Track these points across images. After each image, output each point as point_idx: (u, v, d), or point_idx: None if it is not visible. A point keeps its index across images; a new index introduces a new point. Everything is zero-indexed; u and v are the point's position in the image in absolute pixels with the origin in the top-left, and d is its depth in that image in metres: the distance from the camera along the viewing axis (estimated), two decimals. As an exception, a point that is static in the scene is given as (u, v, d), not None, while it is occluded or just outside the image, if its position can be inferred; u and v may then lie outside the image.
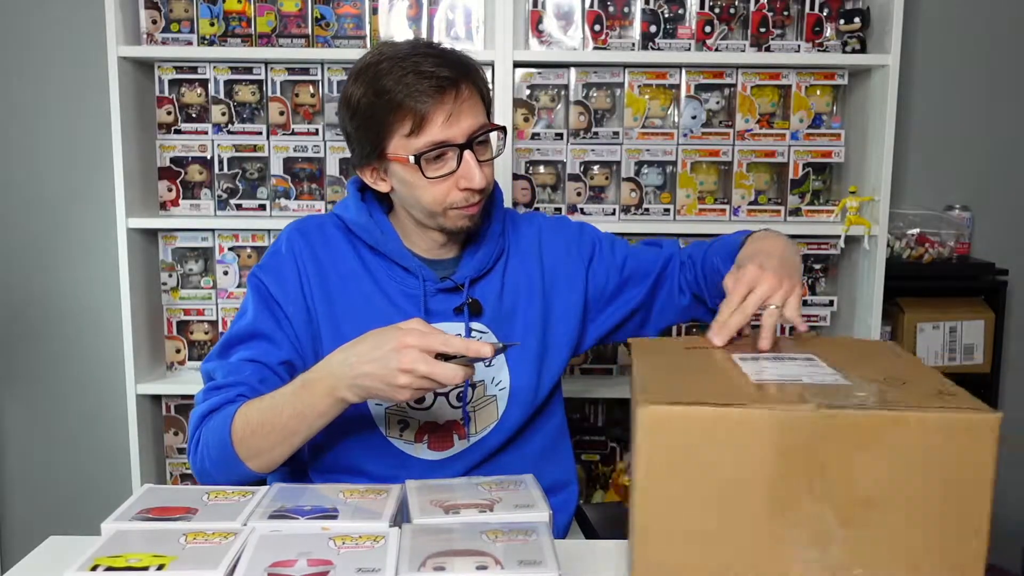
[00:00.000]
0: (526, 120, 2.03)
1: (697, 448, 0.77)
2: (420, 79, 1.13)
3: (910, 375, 0.85)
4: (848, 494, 0.77)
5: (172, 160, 2.03)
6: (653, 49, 2.00)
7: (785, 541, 0.78)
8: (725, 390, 0.83)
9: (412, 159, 1.14)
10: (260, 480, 1.37)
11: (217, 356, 1.22)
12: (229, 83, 2.01)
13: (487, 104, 1.22)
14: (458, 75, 1.15)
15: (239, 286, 2.04)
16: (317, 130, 2.02)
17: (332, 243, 1.26)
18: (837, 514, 0.77)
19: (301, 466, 1.30)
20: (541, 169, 2.05)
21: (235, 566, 0.74)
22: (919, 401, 0.77)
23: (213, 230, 2.03)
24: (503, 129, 1.24)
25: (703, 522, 0.78)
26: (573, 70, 2.01)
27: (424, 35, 2.01)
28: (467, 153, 1.16)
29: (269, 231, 2.02)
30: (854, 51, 1.99)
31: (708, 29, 2.00)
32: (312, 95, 2.02)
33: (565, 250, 1.34)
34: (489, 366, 1.24)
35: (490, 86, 1.25)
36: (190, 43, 1.97)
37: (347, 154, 2.01)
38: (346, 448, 1.24)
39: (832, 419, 0.76)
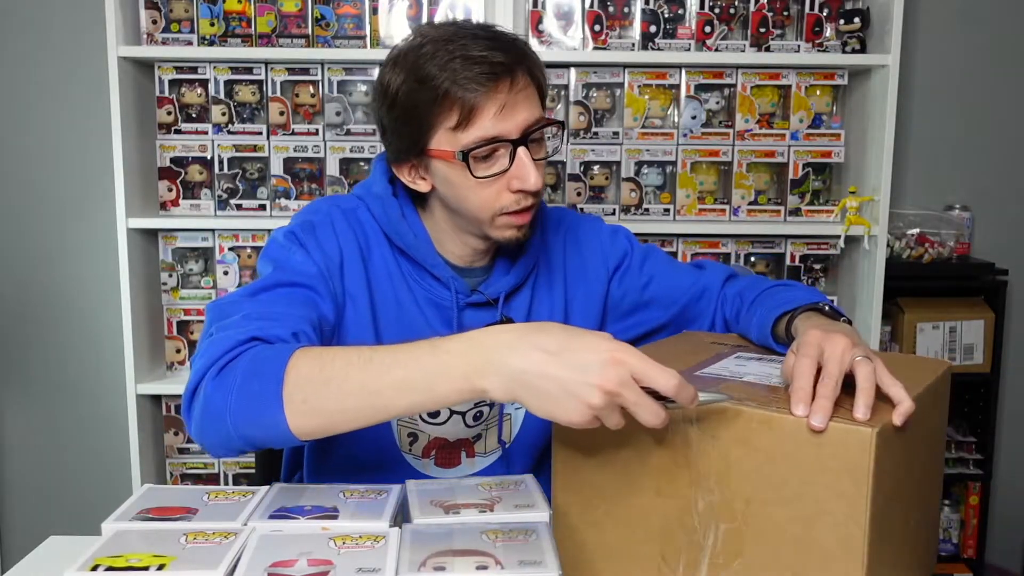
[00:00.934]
0: (526, 120, 2.03)
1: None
2: (469, 65, 0.99)
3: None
4: (728, 488, 0.79)
5: (172, 160, 2.03)
6: (653, 49, 2.00)
7: (673, 521, 0.82)
8: None
9: (459, 156, 1.02)
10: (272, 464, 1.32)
11: (245, 297, 1.01)
12: (229, 83, 2.01)
13: (543, 96, 1.08)
14: (513, 61, 1.01)
15: (239, 286, 2.04)
16: (317, 130, 2.02)
17: (368, 232, 1.13)
18: (716, 506, 0.80)
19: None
20: (541, 169, 2.04)
21: (235, 566, 0.74)
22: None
23: (213, 230, 2.03)
24: (560, 124, 1.11)
25: (608, 488, 0.86)
26: (573, 70, 2.01)
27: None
28: (521, 150, 1.03)
29: (269, 231, 2.02)
30: (854, 51, 1.99)
31: (708, 29, 2.00)
32: (312, 95, 2.02)
33: (589, 257, 1.24)
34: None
35: (547, 79, 1.10)
36: (190, 43, 1.97)
37: (347, 154, 2.02)
38: (355, 454, 1.15)
39: (707, 409, 0.79)
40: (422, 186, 1.10)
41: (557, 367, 0.75)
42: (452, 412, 1.14)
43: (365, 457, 1.14)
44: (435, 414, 1.14)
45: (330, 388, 0.83)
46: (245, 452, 0.90)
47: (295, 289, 1.03)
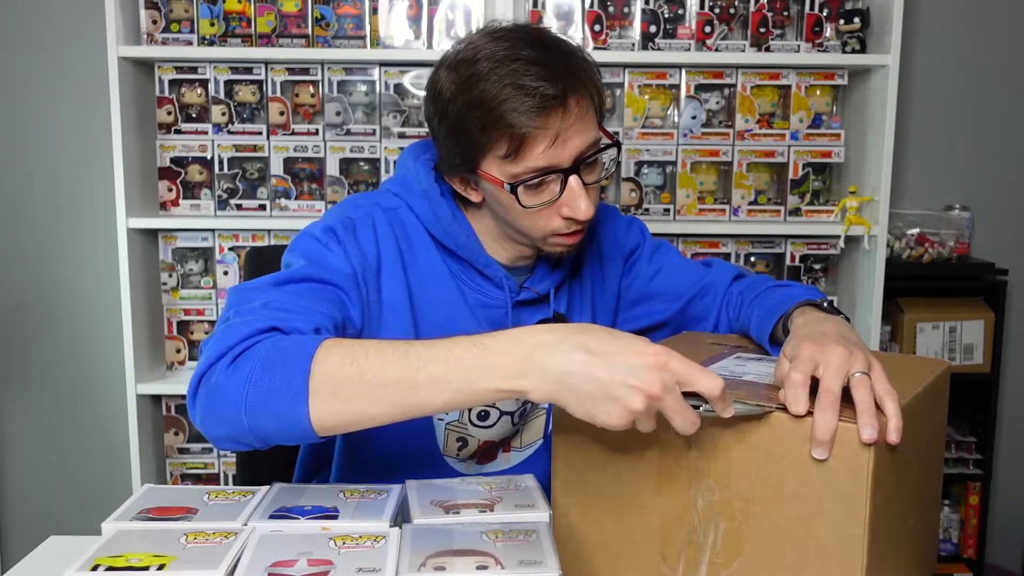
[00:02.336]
0: (526, 120, 2.03)
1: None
2: (520, 95, 0.96)
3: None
4: (727, 488, 0.79)
5: (172, 160, 2.03)
6: (653, 49, 2.00)
7: (671, 521, 0.83)
8: None
9: (508, 187, 0.99)
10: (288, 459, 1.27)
11: (269, 285, 0.97)
12: (229, 83, 2.01)
13: (599, 111, 1.04)
14: (566, 90, 0.97)
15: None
16: (317, 130, 2.02)
17: (411, 234, 1.09)
18: (716, 505, 0.80)
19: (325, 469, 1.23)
20: (541, 169, 2.04)
21: (235, 566, 0.74)
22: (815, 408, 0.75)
23: (213, 230, 2.03)
24: (617, 145, 1.06)
25: (608, 487, 0.86)
26: (573, 70, 2.01)
27: (424, 35, 2.00)
28: (572, 179, 1.00)
29: (269, 231, 2.02)
30: (854, 51, 1.99)
31: (708, 29, 2.00)
32: (312, 95, 2.02)
33: (606, 247, 1.24)
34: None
35: (603, 86, 1.06)
36: (190, 43, 1.97)
37: (347, 154, 2.02)
38: (392, 458, 1.11)
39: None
40: (474, 196, 1.08)
41: (601, 369, 0.74)
42: (502, 413, 1.13)
43: (403, 461, 1.11)
44: (484, 416, 1.12)
45: (363, 381, 0.79)
46: (253, 448, 0.86)
47: (325, 287, 0.99)
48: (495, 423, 1.13)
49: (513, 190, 0.99)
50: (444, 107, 1.02)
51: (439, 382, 0.78)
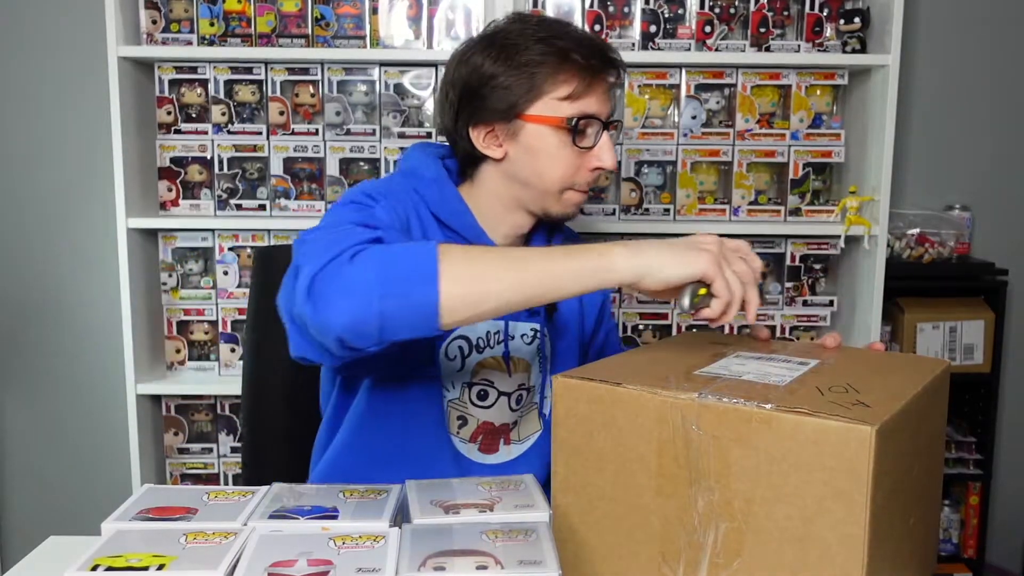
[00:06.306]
0: (526, 120, 2.03)
1: (599, 419, 0.85)
2: (592, 45, 1.10)
3: (876, 388, 0.83)
4: (728, 488, 0.79)
5: (172, 160, 2.03)
6: (653, 49, 2.00)
7: (671, 521, 0.83)
8: (649, 373, 0.88)
9: (570, 122, 1.09)
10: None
11: (333, 227, 1.01)
12: (229, 83, 2.01)
13: None
14: (616, 60, 1.14)
15: (239, 286, 2.04)
16: (317, 130, 2.02)
17: (420, 212, 1.16)
18: (716, 505, 0.80)
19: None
20: (541, 169, 2.04)
21: (235, 566, 0.74)
22: (815, 407, 0.76)
23: (213, 230, 2.03)
24: (620, 124, 1.22)
25: (607, 488, 0.86)
26: (573, 70, 2.01)
27: (424, 35, 2.00)
28: (606, 133, 1.13)
29: (269, 231, 2.02)
30: (854, 51, 1.99)
31: (708, 29, 2.00)
32: (312, 95, 2.02)
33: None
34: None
35: None
36: (190, 43, 1.97)
37: (347, 154, 2.02)
38: (402, 437, 1.18)
39: (705, 409, 0.79)
40: (495, 152, 1.13)
41: (673, 242, 0.94)
42: (499, 393, 1.19)
43: (412, 442, 1.17)
44: (483, 396, 1.19)
45: (486, 259, 0.90)
46: (359, 348, 0.89)
47: (377, 231, 1.02)
48: (493, 404, 1.19)
49: (574, 124, 1.09)
50: (511, 52, 1.08)
51: (542, 257, 0.91)
